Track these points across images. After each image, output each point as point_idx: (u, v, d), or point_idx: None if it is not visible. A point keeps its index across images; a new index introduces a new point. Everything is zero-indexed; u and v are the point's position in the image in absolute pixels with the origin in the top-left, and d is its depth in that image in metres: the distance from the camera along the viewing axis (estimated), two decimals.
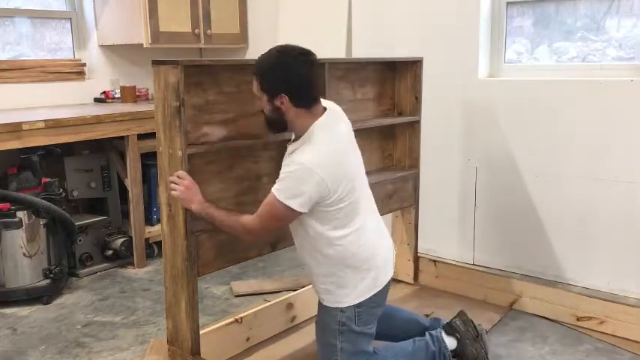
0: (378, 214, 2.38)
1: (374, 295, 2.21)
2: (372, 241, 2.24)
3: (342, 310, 2.19)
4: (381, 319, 2.33)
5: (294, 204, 2.02)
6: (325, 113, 2.17)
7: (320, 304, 2.29)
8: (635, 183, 3.01)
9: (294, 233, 2.25)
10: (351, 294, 2.18)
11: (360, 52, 3.88)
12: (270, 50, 2.17)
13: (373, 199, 2.36)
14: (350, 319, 2.18)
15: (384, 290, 2.27)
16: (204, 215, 2.16)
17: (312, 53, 2.16)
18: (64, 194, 3.47)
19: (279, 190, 2.04)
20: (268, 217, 2.09)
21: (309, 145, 2.08)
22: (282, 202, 2.03)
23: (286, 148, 2.22)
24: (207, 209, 2.16)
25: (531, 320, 2.94)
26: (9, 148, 3.08)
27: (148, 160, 3.67)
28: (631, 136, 3.00)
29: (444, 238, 3.65)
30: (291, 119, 2.11)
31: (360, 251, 2.17)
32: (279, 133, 2.27)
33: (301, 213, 2.06)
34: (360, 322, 2.20)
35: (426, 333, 2.44)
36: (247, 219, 2.12)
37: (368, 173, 3.12)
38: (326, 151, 2.07)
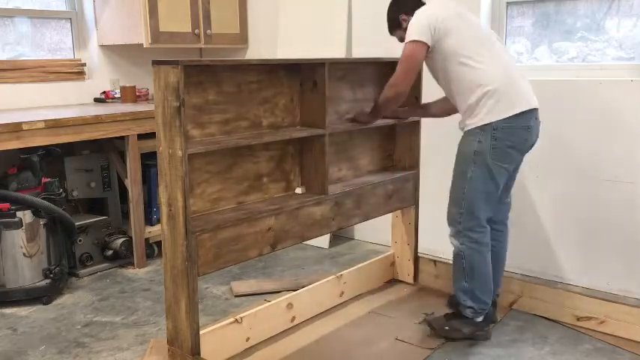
0: (513, 66, 2.66)
1: (511, 121, 2.52)
2: (501, 71, 2.56)
3: (479, 139, 2.54)
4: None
5: (419, 37, 2.54)
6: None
7: (462, 137, 2.65)
8: (635, 183, 3.01)
9: (437, 75, 2.71)
10: (488, 114, 2.52)
11: (360, 52, 3.88)
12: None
13: (507, 56, 2.68)
14: (485, 149, 2.53)
15: (523, 124, 2.56)
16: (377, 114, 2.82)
17: None
18: (64, 194, 3.47)
19: (408, 37, 2.58)
20: (404, 61, 2.60)
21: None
22: (410, 42, 2.56)
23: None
24: (375, 111, 2.83)
25: (531, 320, 2.93)
26: (9, 148, 3.08)
27: (148, 160, 3.67)
28: (631, 136, 3.00)
29: (444, 238, 3.63)
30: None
31: (487, 74, 2.54)
32: None
33: (427, 45, 2.55)
34: (494, 154, 2.54)
35: None
36: (390, 80, 2.66)
37: (368, 173, 3.15)
38: (429, 8, 2.65)
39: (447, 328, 2.74)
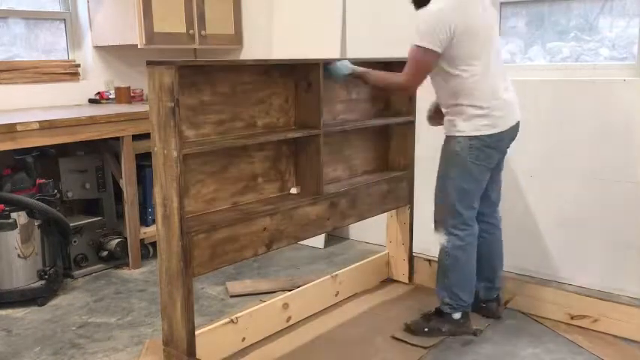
0: (506, 78, 2.69)
1: (490, 137, 2.60)
2: (492, 87, 2.59)
3: (459, 140, 2.62)
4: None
5: (430, 45, 2.49)
6: None
7: (444, 140, 2.71)
8: (629, 182, 3.03)
9: (434, 80, 2.67)
10: (469, 127, 2.59)
11: (355, 52, 3.88)
12: None
13: (502, 65, 2.70)
14: (464, 149, 2.61)
15: (504, 135, 2.63)
16: (364, 78, 2.73)
17: None
18: (58, 195, 3.46)
19: (418, 38, 2.51)
20: (414, 66, 2.55)
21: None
22: (421, 47, 2.50)
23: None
24: (365, 74, 2.72)
25: (526, 319, 2.95)
26: (3, 149, 3.07)
27: (143, 160, 3.67)
28: (624, 135, 3.02)
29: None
30: None
31: (478, 89, 2.56)
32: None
33: (437, 53, 2.50)
34: (473, 154, 2.61)
35: None
36: (400, 77, 2.61)
37: (363, 173, 3.16)
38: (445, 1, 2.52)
39: (426, 329, 2.77)
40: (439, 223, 2.77)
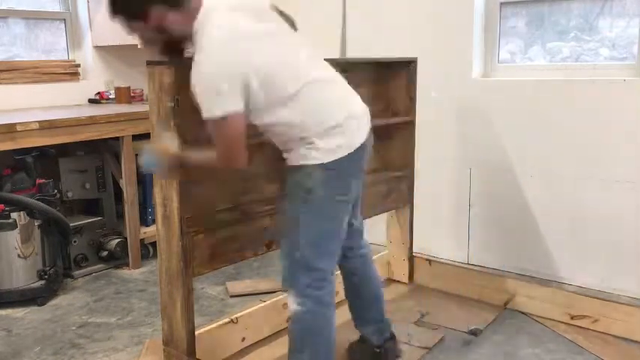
0: (335, 79, 2.16)
1: (344, 158, 1.97)
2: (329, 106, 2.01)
3: (309, 172, 1.96)
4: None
5: (231, 107, 1.83)
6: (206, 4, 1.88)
7: (288, 173, 2.05)
8: (629, 182, 3.03)
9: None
10: (319, 152, 1.96)
11: (354, 52, 3.88)
12: None
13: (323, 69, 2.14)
14: (317, 183, 1.97)
15: (357, 156, 2.02)
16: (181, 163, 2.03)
17: None
18: (58, 195, 3.46)
19: (207, 111, 1.83)
20: (224, 140, 1.89)
21: (199, 45, 1.82)
22: (219, 117, 1.83)
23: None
24: (182, 159, 2.03)
25: (526, 319, 2.95)
26: (3, 149, 3.07)
27: None
28: (624, 135, 3.02)
29: (439, 237, 3.66)
30: (178, 29, 1.87)
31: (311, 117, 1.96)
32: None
33: (241, 110, 1.85)
34: (329, 187, 1.98)
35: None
36: (216, 156, 1.94)
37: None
38: (218, 51, 1.81)
39: None
40: (289, 282, 2.12)
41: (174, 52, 2.00)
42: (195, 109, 1.89)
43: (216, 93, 1.81)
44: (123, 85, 4.23)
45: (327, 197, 2.01)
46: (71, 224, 3.46)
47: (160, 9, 1.85)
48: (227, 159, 1.93)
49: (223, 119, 1.84)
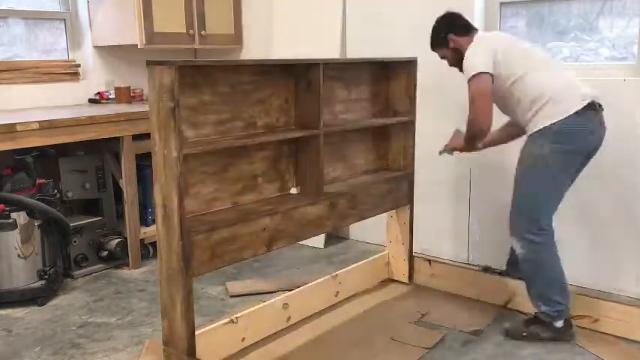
0: (561, 71, 2.79)
1: (569, 123, 2.57)
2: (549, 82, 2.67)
3: (540, 144, 2.60)
4: None
5: (484, 68, 2.61)
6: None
7: (524, 143, 2.72)
8: (630, 182, 3.03)
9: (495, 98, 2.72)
10: (545, 118, 2.60)
11: (355, 52, 3.88)
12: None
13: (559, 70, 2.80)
14: (545, 153, 2.59)
15: (582, 126, 2.61)
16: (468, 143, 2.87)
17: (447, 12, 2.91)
18: (58, 195, 3.46)
19: (471, 69, 2.64)
20: (479, 99, 2.63)
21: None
22: (476, 76, 2.61)
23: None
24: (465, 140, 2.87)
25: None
26: (3, 149, 3.07)
27: (143, 160, 3.67)
28: (624, 135, 3.02)
29: (439, 237, 3.66)
30: (463, 47, 2.76)
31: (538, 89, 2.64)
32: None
33: (491, 75, 2.62)
34: (554, 159, 2.59)
35: None
36: (469, 117, 2.70)
37: (363, 173, 3.16)
38: (485, 40, 2.75)
39: (524, 334, 2.73)
40: (515, 229, 2.74)
41: (460, 63, 2.79)
42: None
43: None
44: (123, 85, 4.24)
45: None
46: (71, 224, 3.46)
47: (451, 36, 2.84)
48: (474, 115, 2.67)
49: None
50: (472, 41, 2.75)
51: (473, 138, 2.80)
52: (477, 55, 2.67)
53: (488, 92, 2.63)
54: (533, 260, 2.69)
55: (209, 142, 2.36)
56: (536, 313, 2.74)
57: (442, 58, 2.90)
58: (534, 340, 2.70)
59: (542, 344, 2.70)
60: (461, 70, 2.78)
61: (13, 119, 3.18)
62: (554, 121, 2.58)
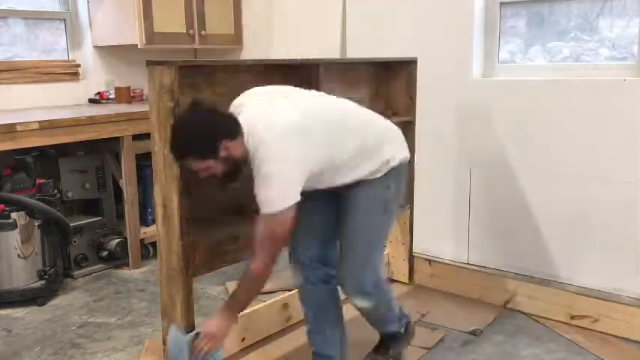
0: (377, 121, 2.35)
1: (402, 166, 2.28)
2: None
3: (387, 185, 2.23)
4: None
5: (291, 201, 1.96)
6: (245, 122, 2.04)
7: (363, 186, 2.21)
8: (629, 182, 3.03)
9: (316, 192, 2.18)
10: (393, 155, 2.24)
11: (355, 52, 3.88)
12: (173, 133, 2.06)
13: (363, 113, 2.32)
14: (392, 193, 2.26)
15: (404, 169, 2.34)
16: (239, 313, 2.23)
17: (195, 102, 2.08)
18: (58, 195, 3.46)
19: (271, 204, 1.95)
20: (272, 242, 2.02)
21: (258, 151, 1.97)
22: (274, 215, 1.96)
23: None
24: (234, 313, 2.19)
25: (526, 319, 2.95)
26: (3, 149, 3.07)
27: (143, 160, 3.67)
28: (624, 135, 3.02)
29: (439, 237, 3.66)
30: (239, 153, 2.02)
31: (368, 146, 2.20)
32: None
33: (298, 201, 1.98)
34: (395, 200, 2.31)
35: None
36: (253, 267, 2.05)
37: None
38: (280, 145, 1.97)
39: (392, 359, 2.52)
40: (368, 281, 2.28)
41: (233, 175, 2.10)
42: None
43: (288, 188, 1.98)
44: (123, 85, 4.24)
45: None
46: (71, 224, 3.46)
47: (225, 142, 1.99)
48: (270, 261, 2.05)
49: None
50: (252, 144, 1.98)
51: (252, 293, 2.19)
52: (285, 182, 1.96)
53: (289, 233, 2.04)
54: (387, 297, 2.41)
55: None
56: (386, 334, 2.51)
57: (204, 171, 2.03)
58: (402, 354, 2.55)
59: (543, 344, 2.70)
60: (230, 181, 2.12)
61: (13, 119, 3.18)
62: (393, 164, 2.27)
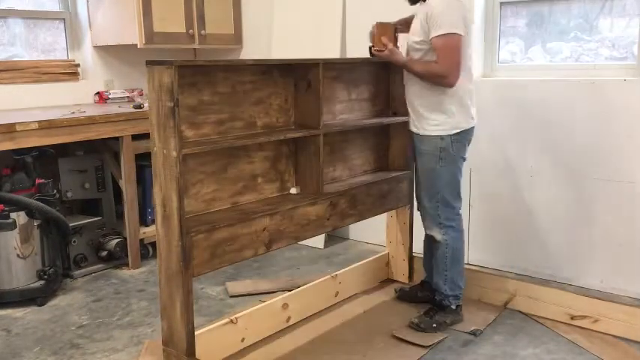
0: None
1: (467, 131, 2.76)
2: (470, 87, 2.77)
3: (441, 137, 2.72)
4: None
5: (460, 30, 2.57)
6: None
7: (421, 140, 2.80)
8: (629, 182, 3.03)
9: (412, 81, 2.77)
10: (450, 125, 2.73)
11: (355, 52, 3.88)
12: None
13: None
14: (448, 144, 2.72)
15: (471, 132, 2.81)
16: (408, 67, 2.75)
17: None
18: (58, 195, 3.46)
19: (448, 26, 2.55)
20: (452, 54, 2.58)
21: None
22: (451, 35, 2.55)
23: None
24: (409, 63, 2.73)
25: (526, 319, 2.94)
26: (3, 149, 3.07)
27: (143, 160, 3.66)
28: (624, 135, 3.02)
29: None
30: None
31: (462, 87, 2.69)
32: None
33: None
34: (456, 147, 2.74)
35: None
36: (437, 67, 2.62)
37: (363, 173, 3.16)
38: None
39: (434, 325, 2.81)
40: (431, 218, 2.86)
41: None
42: None
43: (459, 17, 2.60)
44: (122, 85, 4.23)
45: None
46: (71, 224, 3.46)
47: None
48: (448, 68, 2.60)
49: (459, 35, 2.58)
50: None
51: (425, 75, 2.71)
52: (454, 14, 2.60)
53: (460, 50, 2.62)
54: (453, 246, 2.85)
55: (209, 142, 2.36)
56: (438, 298, 2.89)
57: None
58: (443, 328, 2.81)
59: (543, 344, 2.70)
60: (413, 3, 2.77)
61: (12, 119, 3.17)
62: (458, 131, 2.75)
